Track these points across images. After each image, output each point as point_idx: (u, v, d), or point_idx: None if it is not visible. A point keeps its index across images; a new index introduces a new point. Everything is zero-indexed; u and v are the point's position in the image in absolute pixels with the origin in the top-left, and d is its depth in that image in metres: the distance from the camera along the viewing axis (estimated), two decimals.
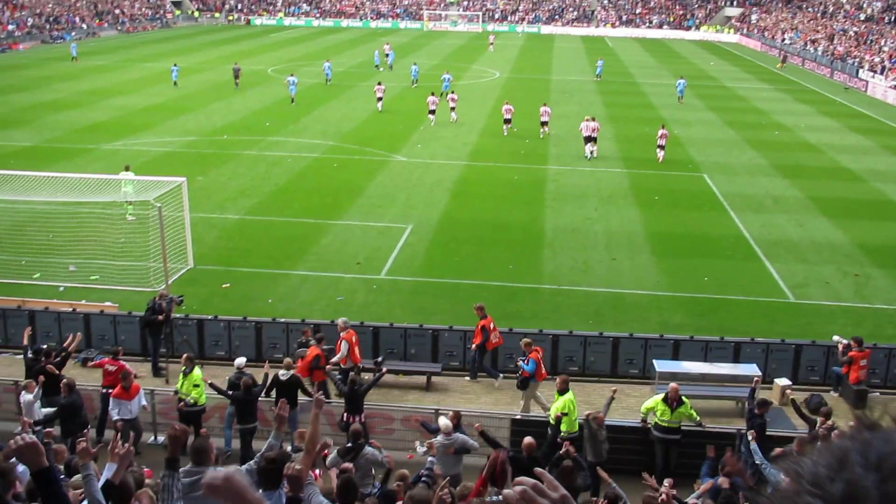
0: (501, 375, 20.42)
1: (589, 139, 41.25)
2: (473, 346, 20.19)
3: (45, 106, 51.42)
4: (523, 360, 18.59)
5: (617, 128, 48.50)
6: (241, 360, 17.43)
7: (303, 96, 54.48)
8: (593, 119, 42.10)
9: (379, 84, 53.46)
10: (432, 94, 49.59)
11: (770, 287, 25.95)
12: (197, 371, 17.23)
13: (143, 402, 16.73)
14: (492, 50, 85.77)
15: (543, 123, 45.71)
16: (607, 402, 16.39)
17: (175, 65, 60.78)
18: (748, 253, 28.74)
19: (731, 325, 23.02)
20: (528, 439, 13.89)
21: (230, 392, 16.74)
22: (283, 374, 17.18)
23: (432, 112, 48.45)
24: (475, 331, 20.21)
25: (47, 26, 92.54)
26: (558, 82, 66.10)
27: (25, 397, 15.96)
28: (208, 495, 3.35)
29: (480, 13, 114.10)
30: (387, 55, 73.12)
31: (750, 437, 14.08)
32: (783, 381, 19.68)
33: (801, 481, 1.42)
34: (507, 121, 46.49)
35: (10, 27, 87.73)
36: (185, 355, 17.60)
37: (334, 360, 18.87)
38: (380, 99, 52.40)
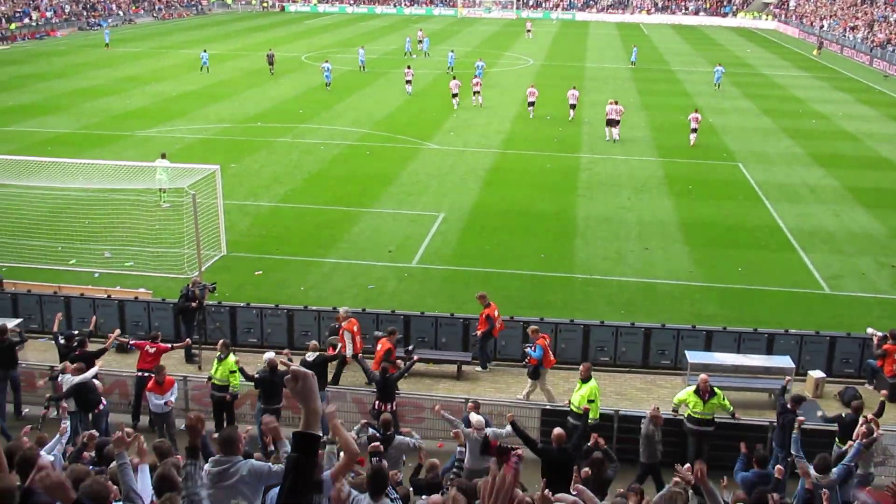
0: (489, 366, 20.63)
1: (612, 122, 41.77)
2: (479, 333, 20.21)
3: (82, 93, 51.97)
4: (530, 348, 18.57)
5: (651, 116, 48.13)
6: (269, 355, 17.44)
7: (336, 83, 54.59)
8: (617, 102, 42.53)
9: (408, 68, 54.14)
10: (454, 78, 50.34)
11: (805, 278, 25.66)
12: (232, 357, 17.37)
13: (173, 397, 16.70)
14: (530, 37, 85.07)
15: (572, 106, 46.09)
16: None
17: (204, 51, 61.25)
18: (783, 243, 28.42)
19: (765, 316, 22.78)
20: (557, 430, 13.85)
21: (256, 375, 16.77)
22: (310, 356, 17.25)
23: (455, 96, 49.16)
24: (479, 319, 20.21)
25: (84, 13, 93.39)
26: (592, 70, 65.64)
27: (66, 378, 16.19)
28: (289, 382, 3.79)
29: (514, 0, 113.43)
30: (420, 42, 73.05)
31: (796, 426, 13.93)
32: (817, 374, 19.48)
33: None
34: (531, 104, 47.15)
35: (48, 14, 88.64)
36: (221, 341, 17.73)
37: (349, 353, 18.86)
38: (409, 82, 53.14)
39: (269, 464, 8.24)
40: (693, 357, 19.35)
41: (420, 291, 24.24)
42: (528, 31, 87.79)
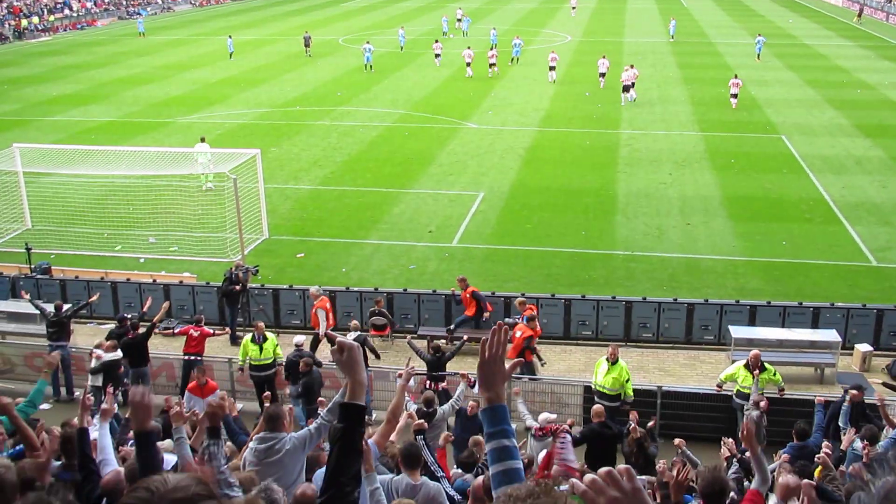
0: None
1: (626, 87, 43.88)
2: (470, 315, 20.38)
3: (123, 81, 52.53)
4: (518, 319, 18.68)
5: (692, 90, 47.54)
6: (299, 339, 17.53)
7: (374, 64, 54.51)
8: (632, 66, 44.52)
9: (436, 41, 56.33)
10: (468, 48, 53.21)
11: (851, 251, 25.27)
12: (270, 335, 17.75)
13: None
14: (574, 14, 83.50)
15: (602, 75, 47.42)
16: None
17: (229, 37, 61.69)
18: (828, 216, 28.00)
19: (810, 289, 22.52)
20: (597, 407, 13.83)
21: (301, 380, 16.64)
22: (351, 335, 17.35)
23: (468, 65, 51.79)
24: (464, 300, 20.35)
25: (124, 3, 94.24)
26: (631, 44, 64.95)
27: (101, 354, 16.57)
28: (335, 353, 3.88)
29: None
30: (460, 20, 72.68)
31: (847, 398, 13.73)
32: (864, 347, 19.22)
33: None
34: (552, 68, 49.65)
35: (89, 4, 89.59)
36: (260, 324, 17.98)
37: (322, 332, 19.06)
38: (438, 55, 55.19)
39: (309, 428, 8.33)
40: (737, 332, 19.20)
41: (461, 271, 24.17)
42: (573, 7, 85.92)
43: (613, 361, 16.07)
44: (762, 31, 61.74)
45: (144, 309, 18.78)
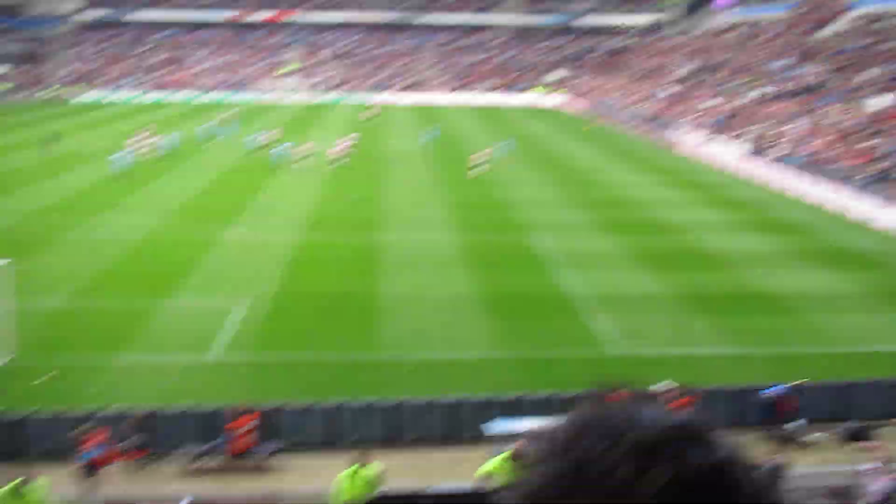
0: None
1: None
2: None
3: None
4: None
5: (449, 193, 49.40)
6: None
7: (136, 170, 52.62)
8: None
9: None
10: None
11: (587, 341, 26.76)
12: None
13: None
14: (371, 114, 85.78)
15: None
16: None
17: None
18: (564, 308, 29.58)
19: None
20: None
21: None
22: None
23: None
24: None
25: None
26: (391, 152, 66.84)
27: None
28: None
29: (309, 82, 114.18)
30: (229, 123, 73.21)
31: None
32: None
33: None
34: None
35: None
36: None
37: None
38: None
39: None
40: (497, 427, 19.48)
41: (221, 384, 23.46)
42: (377, 115, 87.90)
43: (363, 465, 15.92)
44: (510, 136, 65.43)
45: None
